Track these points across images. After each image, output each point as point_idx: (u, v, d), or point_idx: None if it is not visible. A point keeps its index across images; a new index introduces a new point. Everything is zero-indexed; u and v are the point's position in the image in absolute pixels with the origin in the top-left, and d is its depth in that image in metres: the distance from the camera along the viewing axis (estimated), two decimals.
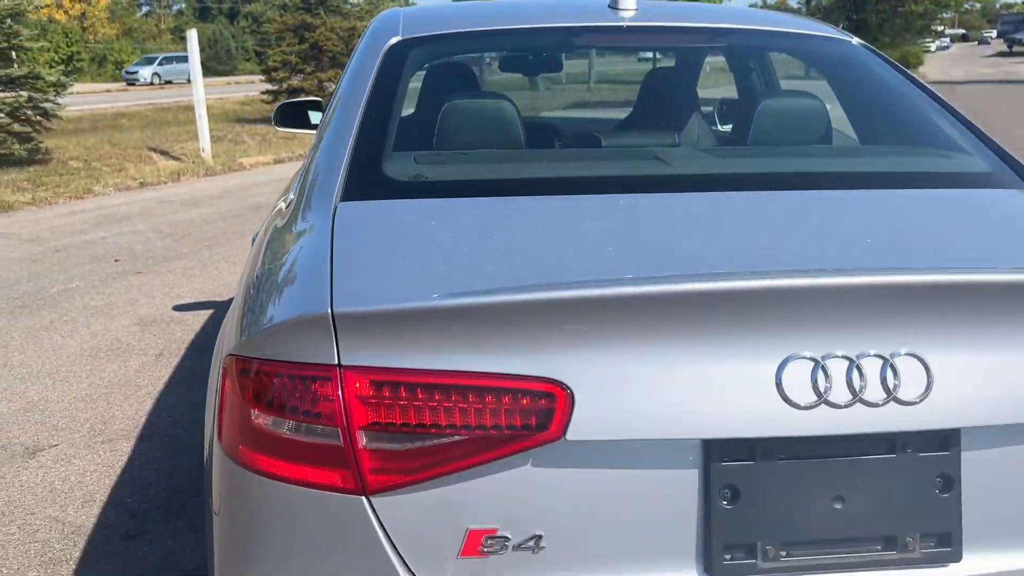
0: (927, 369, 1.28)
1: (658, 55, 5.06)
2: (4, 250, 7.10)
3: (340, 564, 1.33)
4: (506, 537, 1.30)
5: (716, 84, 4.90)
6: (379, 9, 17.69)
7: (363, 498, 1.29)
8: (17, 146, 11.95)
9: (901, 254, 1.60)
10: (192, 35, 12.28)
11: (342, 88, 2.23)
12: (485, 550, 1.30)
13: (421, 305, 1.33)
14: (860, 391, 1.26)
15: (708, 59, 3.68)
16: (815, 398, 1.26)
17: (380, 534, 1.30)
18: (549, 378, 1.25)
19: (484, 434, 1.26)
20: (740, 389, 1.27)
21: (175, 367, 4.38)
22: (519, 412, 1.26)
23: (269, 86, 18.87)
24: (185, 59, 17.21)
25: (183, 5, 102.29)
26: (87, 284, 5.99)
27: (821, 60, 2.68)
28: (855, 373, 1.27)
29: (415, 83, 2.66)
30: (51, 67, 14.18)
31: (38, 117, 12.08)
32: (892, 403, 1.26)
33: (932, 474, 1.32)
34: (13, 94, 12.00)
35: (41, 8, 17.34)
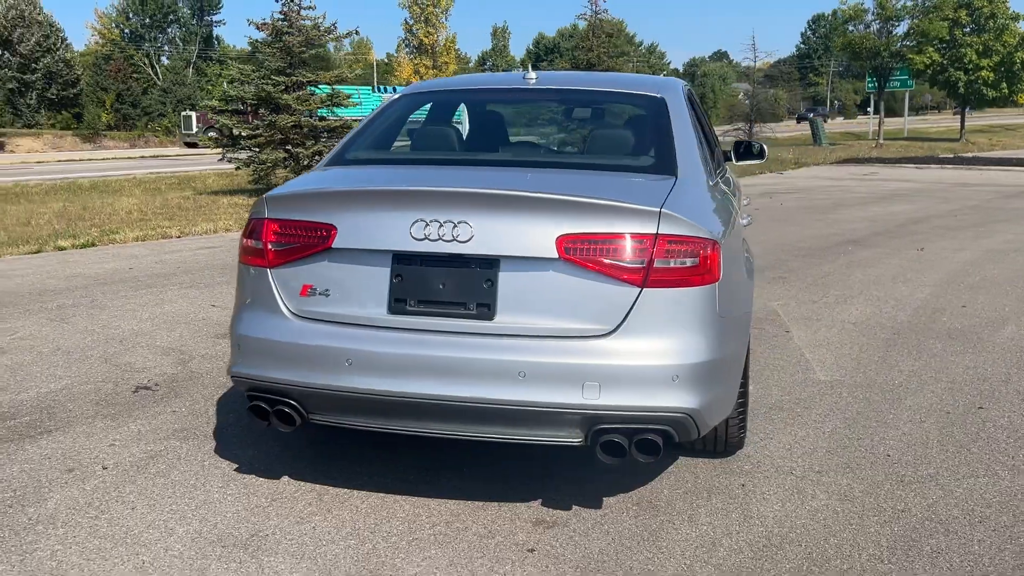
0: (471, 228, 2.97)
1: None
2: None
3: (259, 295, 3.27)
4: (315, 288, 3.17)
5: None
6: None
7: (268, 269, 3.24)
8: None
9: (503, 183, 3.20)
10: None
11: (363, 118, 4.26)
12: (309, 294, 3.19)
13: (291, 191, 3.30)
14: (442, 236, 2.97)
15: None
16: (423, 237, 2.99)
17: (272, 284, 3.23)
18: (329, 223, 3.12)
19: (307, 242, 3.16)
20: (401, 231, 3.03)
21: None
22: (318, 236, 3.13)
23: None
24: None
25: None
26: None
27: (637, 106, 4.24)
28: (440, 228, 2.98)
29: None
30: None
31: None
32: (455, 242, 2.97)
33: (483, 277, 2.99)
34: (333, 142, 15.54)
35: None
